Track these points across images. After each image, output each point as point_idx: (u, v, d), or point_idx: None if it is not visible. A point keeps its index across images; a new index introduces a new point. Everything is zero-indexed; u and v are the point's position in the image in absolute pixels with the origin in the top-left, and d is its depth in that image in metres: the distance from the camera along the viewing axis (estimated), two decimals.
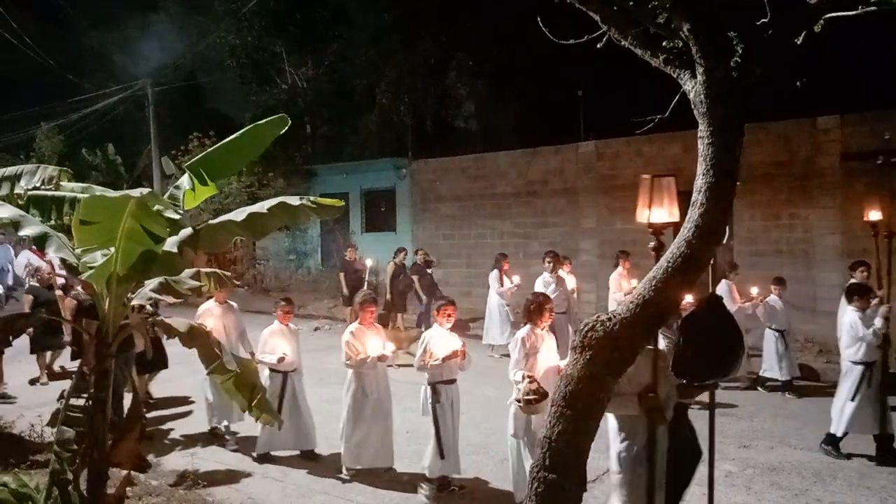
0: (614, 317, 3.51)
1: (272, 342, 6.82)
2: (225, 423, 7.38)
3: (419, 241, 17.49)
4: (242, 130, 4.75)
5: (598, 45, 4.20)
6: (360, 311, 6.49)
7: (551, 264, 10.52)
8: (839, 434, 6.76)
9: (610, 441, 4.66)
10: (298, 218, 4.70)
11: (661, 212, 3.82)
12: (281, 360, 6.65)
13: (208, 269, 5.84)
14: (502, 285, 11.70)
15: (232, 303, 7.72)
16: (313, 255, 20.42)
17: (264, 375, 6.73)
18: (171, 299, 5.55)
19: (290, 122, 4.67)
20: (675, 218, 3.94)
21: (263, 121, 4.72)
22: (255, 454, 6.79)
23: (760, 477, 6.25)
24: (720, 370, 3.95)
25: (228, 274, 6.16)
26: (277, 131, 4.66)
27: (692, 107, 3.55)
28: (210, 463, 6.72)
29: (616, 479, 4.64)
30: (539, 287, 10.22)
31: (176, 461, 6.77)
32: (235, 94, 22.92)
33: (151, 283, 4.70)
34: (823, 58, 6.91)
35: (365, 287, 14.01)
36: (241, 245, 19.39)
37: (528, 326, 5.57)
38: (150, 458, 6.74)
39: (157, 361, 8.49)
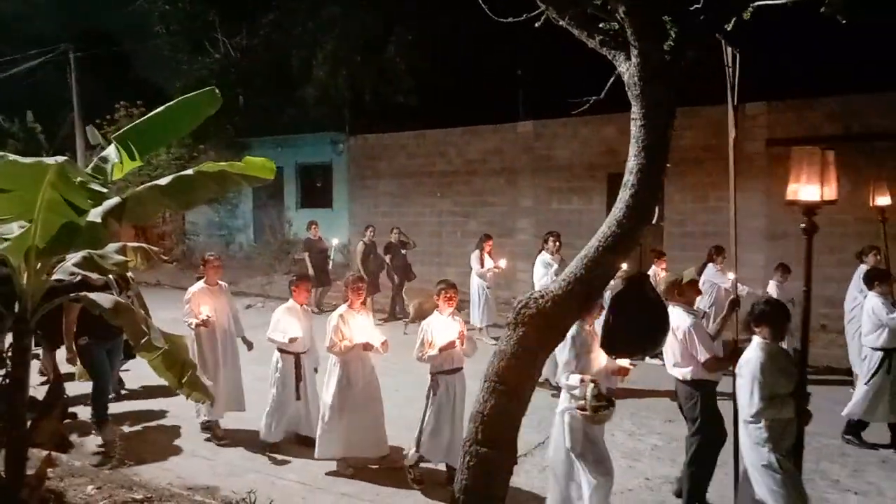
0: (547, 294, 3.56)
1: (284, 321, 6.42)
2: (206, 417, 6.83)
3: (357, 219, 17.36)
4: (172, 102, 4.59)
5: (536, 25, 4.21)
6: (349, 292, 6.07)
7: (556, 244, 9.73)
8: (854, 419, 6.66)
9: (756, 451, 4.27)
10: (227, 184, 4.55)
11: (814, 189, 3.80)
12: (292, 340, 6.28)
13: (135, 244, 5.66)
14: (483, 266, 11.32)
15: (223, 283, 7.11)
16: (245, 231, 20.01)
17: (274, 357, 6.52)
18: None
19: (221, 98, 4.54)
20: (833, 196, 3.87)
21: (194, 93, 4.58)
22: (262, 439, 6.47)
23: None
24: (646, 347, 4.07)
25: (156, 249, 5.98)
26: (209, 108, 4.52)
27: (626, 89, 3.61)
28: (137, 442, 6.56)
29: (776, 480, 4.19)
30: (539, 269, 9.67)
31: (101, 441, 6.57)
32: (165, 62, 22.06)
33: (74, 258, 4.52)
34: (753, 45, 7.09)
35: (330, 267, 13.60)
36: (170, 219, 18.83)
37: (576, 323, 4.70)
38: (73, 437, 6.53)
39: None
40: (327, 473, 5.92)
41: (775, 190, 12.04)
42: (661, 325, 3.92)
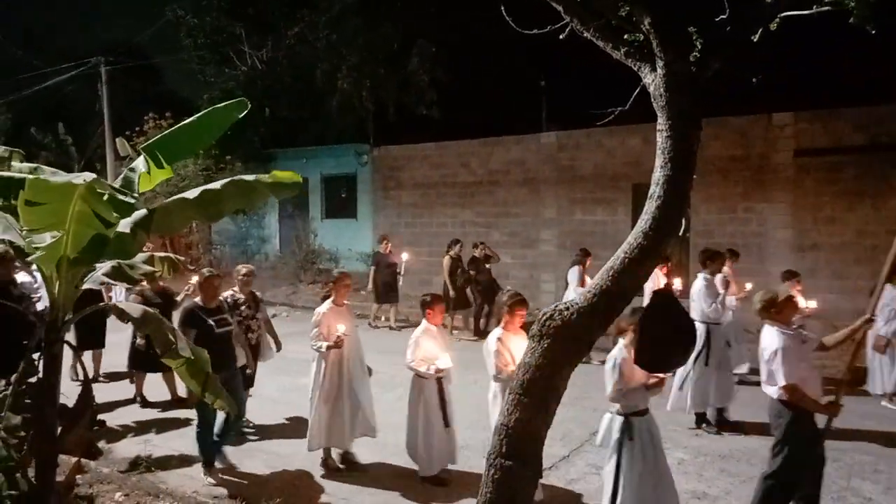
0: (572, 306, 3.54)
1: (425, 346, 5.80)
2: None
3: (380, 229, 17.43)
4: (200, 113, 4.67)
5: (561, 37, 4.22)
6: (507, 314, 5.45)
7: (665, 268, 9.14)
8: None
9: None
10: (254, 196, 4.60)
11: None
12: (439, 371, 5.70)
13: (162, 254, 5.73)
14: (583, 285, 10.18)
15: (347, 303, 6.47)
16: (271, 241, 20.20)
17: (413, 384, 5.97)
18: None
19: (249, 105, 4.60)
20: None
21: (222, 104, 4.65)
22: (420, 475, 5.91)
23: (711, 464, 6.40)
24: (674, 361, 4.02)
25: (183, 259, 6.05)
26: (236, 115, 4.58)
27: (652, 100, 3.59)
28: (163, 449, 6.62)
29: None
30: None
31: (128, 448, 6.65)
32: (193, 75, 22.44)
33: (104, 268, 4.60)
34: (780, 55, 7.03)
35: (401, 283, 12.98)
36: (196, 229, 19.06)
37: None
38: (102, 444, 6.61)
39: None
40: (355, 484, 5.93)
41: (802, 201, 11.91)
42: (688, 339, 3.87)
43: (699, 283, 7.81)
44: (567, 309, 3.55)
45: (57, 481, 4.32)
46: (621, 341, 4.91)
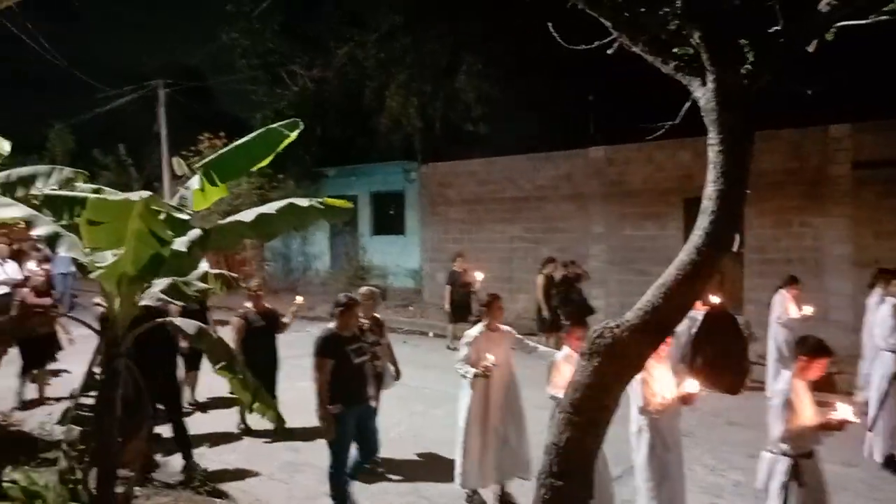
0: (623, 323, 3.50)
1: (565, 372, 5.12)
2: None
3: (428, 245, 17.51)
4: (255, 133, 4.80)
5: (609, 52, 4.20)
6: None
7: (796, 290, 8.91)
8: None
9: None
10: (307, 220, 4.72)
11: None
12: None
13: (216, 271, 5.86)
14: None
15: (504, 328, 5.95)
16: (321, 257, 20.49)
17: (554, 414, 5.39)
18: None
19: (301, 125, 4.71)
20: None
21: (276, 124, 4.77)
22: None
23: None
24: (732, 380, 3.92)
25: (236, 275, 6.17)
26: (289, 135, 4.69)
27: (702, 114, 3.54)
28: (217, 463, 6.74)
29: None
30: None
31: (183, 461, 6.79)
32: (245, 95, 23.01)
33: (160, 284, 4.74)
34: (836, 67, 6.85)
35: (475, 303, 12.17)
36: (250, 246, 19.47)
37: None
38: (158, 457, 6.77)
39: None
40: None
41: (861, 215, 11.52)
42: (742, 358, 3.78)
43: (885, 308, 7.06)
44: (618, 326, 3.50)
45: (116, 493, 4.44)
46: (786, 373, 4.41)
